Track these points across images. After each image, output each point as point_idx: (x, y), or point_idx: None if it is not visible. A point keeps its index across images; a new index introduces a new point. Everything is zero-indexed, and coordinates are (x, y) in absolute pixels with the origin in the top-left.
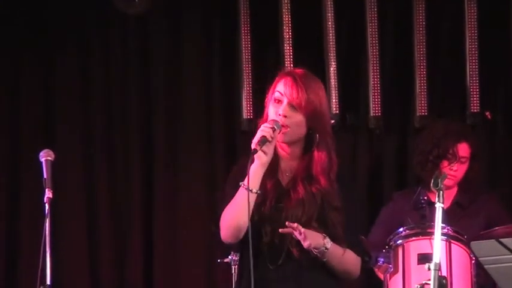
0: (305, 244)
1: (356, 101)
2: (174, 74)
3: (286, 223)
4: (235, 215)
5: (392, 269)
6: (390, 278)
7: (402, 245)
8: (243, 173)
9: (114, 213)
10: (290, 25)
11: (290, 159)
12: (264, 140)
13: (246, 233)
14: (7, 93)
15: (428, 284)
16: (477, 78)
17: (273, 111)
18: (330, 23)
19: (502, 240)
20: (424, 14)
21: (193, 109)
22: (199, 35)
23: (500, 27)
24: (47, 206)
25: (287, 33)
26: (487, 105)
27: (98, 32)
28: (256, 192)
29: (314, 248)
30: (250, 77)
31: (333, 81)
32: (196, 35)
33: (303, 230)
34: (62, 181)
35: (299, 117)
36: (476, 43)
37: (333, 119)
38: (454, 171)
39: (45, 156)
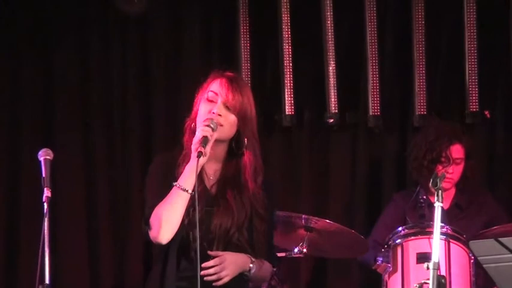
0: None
1: (355, 100)
2: (174, 73)
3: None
4: (169, 216)
5: (391, 269)
6: (389, 278)
7: (401, 244)
8: (171, 170)
9: (114, 213)
10: (289, 24)
11: (213, 161)
12: (206, 140)
13: (174, 237)
14: (6, 92)
15: (427, 283)
16: (476, 78)
17: (204, 109)
18: (329, 22)
19: (501, 239)
20: (423, 13)
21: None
22: (199, 34)
23: (499, 26)
24: (45, 205)
25: (286, 32)
26: (486, 104)
27: (98, 31)
28: (191, 193)
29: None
30: (249, 76)
31: (332, 81)
32: (196, 33)
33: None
34: (61, 180)
35: (232, 118)
36: (475, 42)
37: (332, 118)
38: (450, 173)
39: (44, 156)
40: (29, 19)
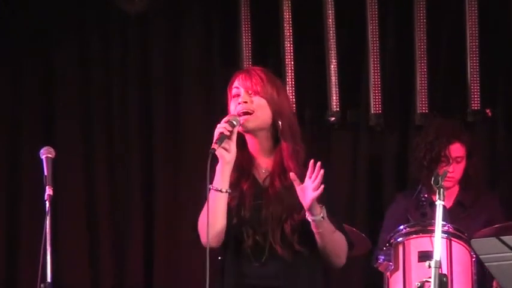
0: (308, 198)
1: (357, 98)
2: (175, 72)
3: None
4: (211, 220)
5: (392, 267)
6: (391, 276)
7: (403, 242)
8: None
9: (115, 211)
10: (290, 22)
11: (263, 155)
12: (222, 137)
13: (227, 236)
14: (7, 91)
15: (429, 281)
16: (478, 76)
17: (233, 105)
18: (330, 20)
19: (502, 238)
20: (424, 12)
21: (194, 107)
22: (200, 33)
23: (501, 24)
24: (47, 203)
25: (288, 30)
26: (488, 102)
27: (98, 31)
28: (227, 192)
29: (312, 213)
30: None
31: (334, 79)
32: (197, 32)
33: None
34: (62, 178)
35: (260, 100)
36: (476, 41)
37: (333, 116)
38: (450, 172)
39: (46, 154)
40: (29, 19)
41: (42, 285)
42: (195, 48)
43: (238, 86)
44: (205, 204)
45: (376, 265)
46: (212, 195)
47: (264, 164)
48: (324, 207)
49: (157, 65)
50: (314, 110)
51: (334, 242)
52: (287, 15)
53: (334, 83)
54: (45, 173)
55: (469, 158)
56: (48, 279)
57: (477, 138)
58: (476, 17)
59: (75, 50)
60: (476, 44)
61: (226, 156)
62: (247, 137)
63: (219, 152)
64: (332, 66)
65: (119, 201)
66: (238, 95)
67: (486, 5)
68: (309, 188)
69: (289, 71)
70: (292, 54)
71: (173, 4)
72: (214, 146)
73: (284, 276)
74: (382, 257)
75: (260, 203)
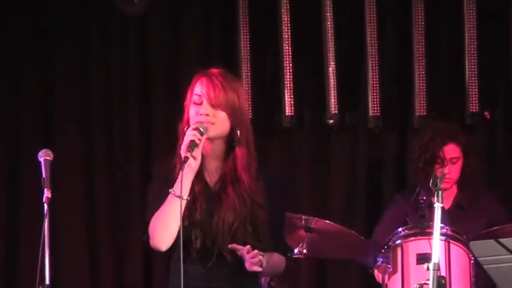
0: (252, 267)
1: (355, 100)
2: (174, 73)
3: (233, 246)
4: (166, 223)
5: (391, 269)
6: (389, 278)
7: (401, 245)
8: (169, 176)
9: (114, 213)
10: (289, 25)
11: (214, 158)
12: (193, 145)
13: (177, 237)
14: (6, 93)
15: (427, 284)
16: (476, 78)
17: (193, 112)
18: (329, 22)
19: (501, 240)
20: (423, 14)
21: None
22: (199, 35)
23: (499, 26)
24: (45, 206)
25: (286, 33)
26: (486, 105)
27: (98, 32)
28: (187, 199)
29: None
30: (249, 76)
31: (332, 81)
32: (196, 34)
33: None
34: (61, 181)
35: (221, 114)
36: (475, 43)
37: (332, 119)
38: (447, 173)
39: (44, 156)
40: (29, 19)
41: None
42: (195, 49)
43: (200, 94)
44: (161, 208)
45: (374, 268)
46: (171, 200)
47: (213, 167)
48: (264, 257)
49: (157, 65)
50: (313, 113)
51: (273, 270)
52: (285, 17)
53: (332, 85)
54: (44, 176)
55: (466, 158)
56: (47, 282)
57: (476, 141)
58: (474, 19)
59: (75, 50)
60: (475, 46)
61: (192, 164)
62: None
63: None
64: (330, 69)
65: (119, 201)
66: (199, 104)
67: (485, 7)
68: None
69: (288, 73)
70: (290, 56)
71: (173, 4)
72: (187, 154)
73: (230, 281)
74: (381, 259)
75: (212, 207)
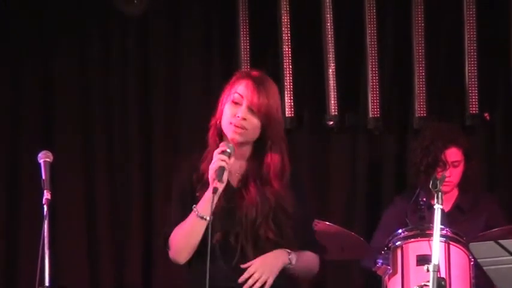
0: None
1: (355, 102)
2: (174, 74)
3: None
4: (187, 241)
5: (391, 271)
6: (389, 280)
7: (401, 246)
8: (188, 186)
9: (113, 214)
10: (289, 26)
11: (238, 159)
12: (222, 170)
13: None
14: (6, 93)
15: (427, 285)
16: (476, 80)
17: (230, 112)
18: (328, 24)
19: (500, 241)
20: (423, 15)
21: (193, 109)
22: (199, 35)
23: (499, 28)
24: (45, 207)
25: (286, 34)
26: (486, 106)
27: (98, 32)
28: (207, 220)
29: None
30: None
31: (332, 82)
32: (196, 35)
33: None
34: (60, 182)
35: (256, 121)
36: (475, 44)
37: (332, 120)
38: (448, 177)
39: (44, 158)
40: (29, 19)
41: None
42: (195, 49)
43: (242, 95)
44: (183, 224)
45: (374, 269)
46: (193, 218)
47: (237, 166)
48: (291, 253)
49: (157, 65)
50: (312, 114)
51: (306, 269)
52: (285, 18)
53: (332, 87)
54: (43, 177)
55: (467, 161)
56: (47, 283)
57: (475, 142)
58: (474, 20)
59: (75, 50)
60: (475, 47)
61: (220, 188)
62: (224, 139)
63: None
64: (330, 70)
65: (119, 201)
66: (238, 104)
67: (484, 8)
68: None
69: (288, 75)
70: (290, 57)
71: (173, 4)
72: (217, 184)
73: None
74: (381, 261)
75: (233, 205)
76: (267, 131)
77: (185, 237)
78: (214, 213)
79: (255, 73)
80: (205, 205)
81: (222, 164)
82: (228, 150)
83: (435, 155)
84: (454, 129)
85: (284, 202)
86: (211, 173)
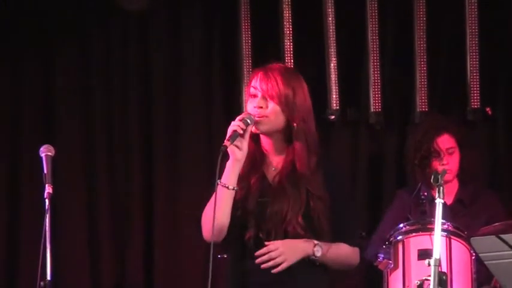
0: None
1: (356, 96)
2: (174, 70)
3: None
4: (216, 214)
5: (392, 265)
6: (390, 274)
7: (402, 240)
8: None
9: (115, 209)
10: (290, 21)
11: (276, 153)
12: (235, 135)
13: (229, 230)
14: (6, 93)
15: (429, 279)
16: (477, 74)
17: (250, 106)
18: (330, 18)
19: (502, 236)
20: (424, 10)
21: (194, 105)
22: (200, 31)
23: (501, 23)
24: (47, 201)
25: (287, 28)
26: (488, 101)
27: (98, 31)
28: (234, 189)
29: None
30: (250, 72)
31: (334, 77)
32: (197, 30)
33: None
34: (62, 177)
35: (273, 107)
36: (476, 39)
37: (333, 115)
38: (445, 164)
39: (46, 152)
40: (29, 19)
41: (41, 283)
42: (195, 48)
43: (255, 87)
44: (211, 199)
45: (375, 263)
46: (219, 191)
47: (275, 162)
48: (317, 245)
49: (157, 64)
50: (314, 108)
51: (338, 262)
52: (287, 13)
53: (334, 81)
54: (45, 171)
55: (462, 150)
56: (48, 277)
57: (477, 137)
58: (476, 15)
59: (75, 50)
60: (476, 42)
61: (237, 154)
62: (261, 136)
63: (231, 149)
64: (332, 65)
65: (120, 198)
66: (255, 96)
67: (486, 3)
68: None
69: None
70: (291, 52)
71: (173, 4)
72: (226, 143)
73: (286, 272)
74: (382, 255)
75: (267, 200)
76: (288, 115)
77: (210, 209)
78: (249, 209)
79: (270, 65)
80: (227, 174)
81: (236, 128)
82: (247, 119)
83: (427, 147)
84: (446, 118)
85: (313, 187)
86: (227, 137)
